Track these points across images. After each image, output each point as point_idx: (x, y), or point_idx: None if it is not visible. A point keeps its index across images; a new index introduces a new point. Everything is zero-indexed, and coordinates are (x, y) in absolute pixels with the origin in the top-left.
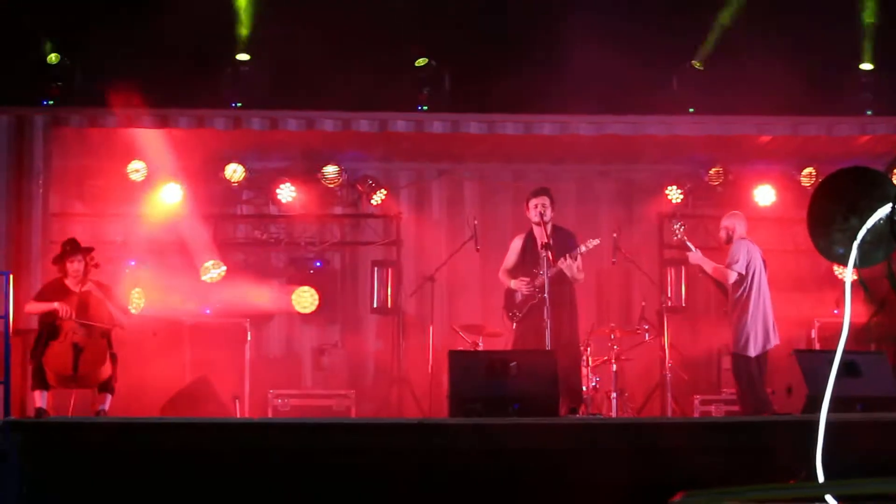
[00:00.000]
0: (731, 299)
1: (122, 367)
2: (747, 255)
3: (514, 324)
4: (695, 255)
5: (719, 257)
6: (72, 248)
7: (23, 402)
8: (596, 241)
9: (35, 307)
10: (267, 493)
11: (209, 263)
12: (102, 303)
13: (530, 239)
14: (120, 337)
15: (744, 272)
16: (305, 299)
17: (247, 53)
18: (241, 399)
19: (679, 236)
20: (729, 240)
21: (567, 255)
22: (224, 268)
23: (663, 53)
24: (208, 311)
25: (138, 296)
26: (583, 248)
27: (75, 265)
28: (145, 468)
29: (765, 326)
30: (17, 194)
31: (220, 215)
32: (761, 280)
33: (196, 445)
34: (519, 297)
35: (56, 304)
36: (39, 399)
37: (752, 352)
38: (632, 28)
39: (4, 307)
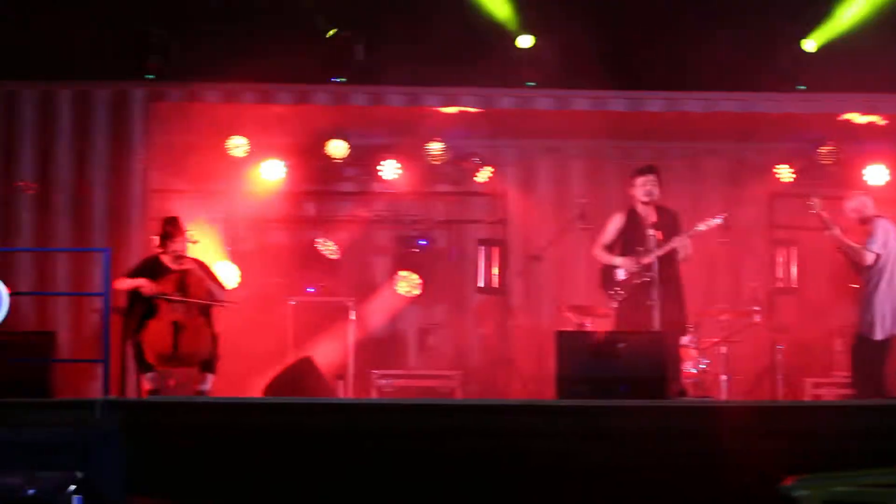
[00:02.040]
0: (862, 279)
1: (223, 346)
2: (884, 236)
3: (616, 303)
4: (834, 233)
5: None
6: (172, 225)
7: (122, 381)
8: (718, 220)
9: (123, 283)
10: (370, 475)
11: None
12: (202, 280)
13: (633, 217)
14: (221, 315)
15: (881, 252)
16: (408, 283)
17: (336, 28)
18: (345, 379)
19: (817, 211)
20: (862, 221)
21: (684, 232)
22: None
23: (774, 30)
24: (311, 290)
25: (235, 273)
26: (702, 227)
27: (175, 242)
28: (247, 449)
29: (893, 309)
30: (117, 170)
31: (323, 192)
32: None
33: (299, 426)
34: (621, 275)
35: (141, 281)
36: (149, 381)
37: (879, 335)
38: (744, 4)
39: (103, 284)
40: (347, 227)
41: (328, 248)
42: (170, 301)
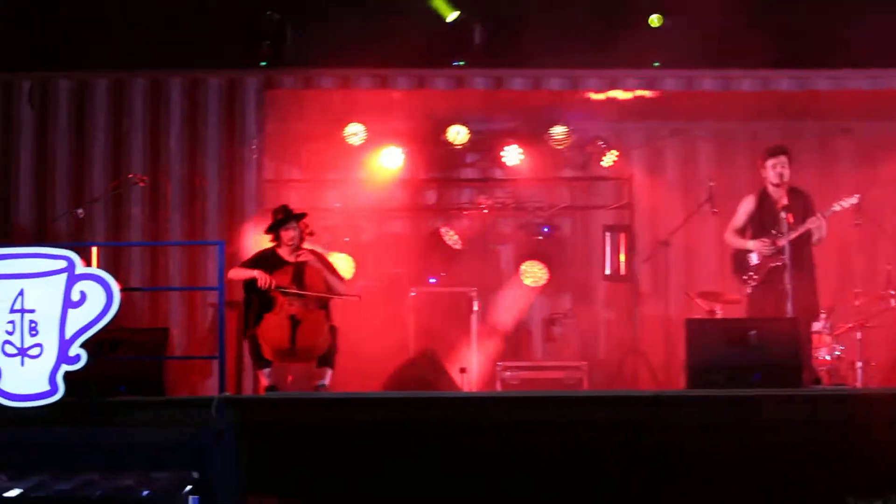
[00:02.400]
0: None
1: (342, 339)
2: None
3: (749, 289)
4: None
5: None
6: (285, 215)
7: (238, 377)
8: (852, 200)
9: (236, 273)
10: (498, 470)
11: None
12: (319, 272)
13: (764, 199)
14: (339, 308)
15: None
16: (535, 273)
17: (457, 10)
18: (468, 372)
19: None
20: None
21: (819, 213)
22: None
23: None
24: (433, 280)
25: (353, 265)
26: (837, 207)
27: (290, 233)
28: (367, 445)
29: None
30: (230, 160)
31: (443, 180)
32: None
33: (422, 421)
34: (754, 259)
35: (256, 273)
36: (266, 377)
37: None
38: None
39: (218, 278)
40: (469, 215)
41: (452, 237)
42: (287, 294)
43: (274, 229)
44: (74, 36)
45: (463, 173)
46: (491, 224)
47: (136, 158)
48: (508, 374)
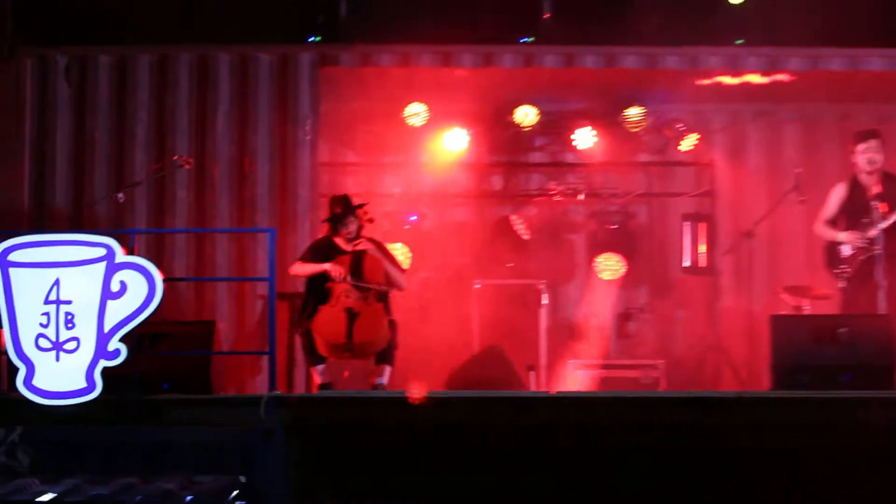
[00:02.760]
0: None
1: (402, 334)
2: None
3: (842, 283)
4: None
5: None
6: (343, 209)
7: (289, 374)
8: None
9: (302, 269)
10: (564, 473)
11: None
12: (378, 263)
13: (856, 187)
14: (399, 301)
15: None
16: (611, 266)
17: None
18: (537, 370)
19: None
20: None
21: None
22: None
23: None
24: (505, 269)
25: (404, 254)
26: None
27: (348, 228)
28: (429, 447)
29: None
30: (282, 142)
31: (510, 164)
32: None
33: (487, 421)
34: (846, 251)
35: (328, 266)
36: (319, 374)
37: None
38: None
39: (268, 268)
40: (538, 201)
41: (520, 226)
42: (360, 288)
43: (332, 223)
44: (114, 7)
45: (531, 157)
46: (561, 212)
47: (180, 139)
48: (580, 372)
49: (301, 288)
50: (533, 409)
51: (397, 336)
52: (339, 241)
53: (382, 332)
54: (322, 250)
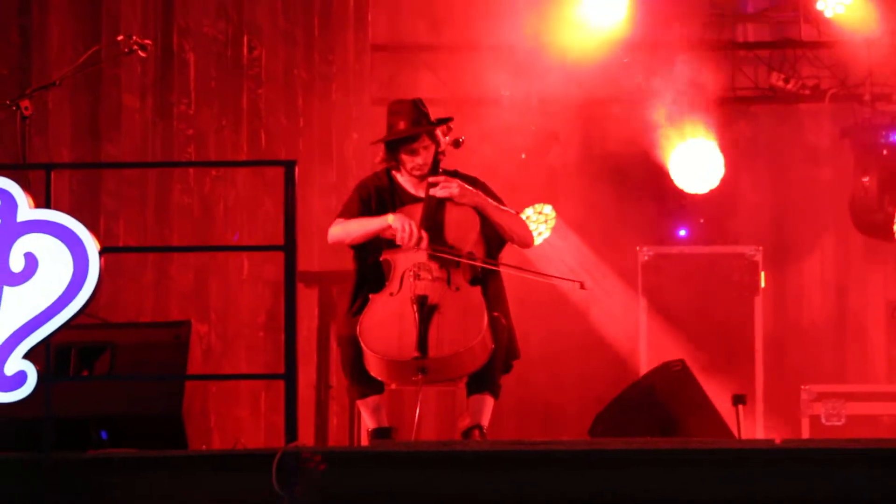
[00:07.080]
0: None
1: (522, 340)
2: None
3: None
4: None
5: None
6: (412, 115)
7: (319, 412)
8: None
9: (345, 229)
10: None
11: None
12: (473, 217)
13: None
14: (513, 285)
15: None
16: None
17: None
18: (750, 402)
19: None
20: None
21: None
22: None
23: None
24: (681, 235)
25: (546, 214)
26: None
27: (417, 158)
28: None
29: None
30: (307, 10)
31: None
32: None
33: (660, 495)
34: None
35: (390, 219)
36: (371, 412)
37: None
38: None
39: (285, 230)
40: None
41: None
42: (439, 258)
43: (392, 149)
44: None
45: (736, 33)
46: (794, 125)
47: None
48: (821, 405)
49: (346, 265)
50: (749, 466)
51: (512, 344)
52: (403, 181)
53: (480, 338)
54: (378, 197)
